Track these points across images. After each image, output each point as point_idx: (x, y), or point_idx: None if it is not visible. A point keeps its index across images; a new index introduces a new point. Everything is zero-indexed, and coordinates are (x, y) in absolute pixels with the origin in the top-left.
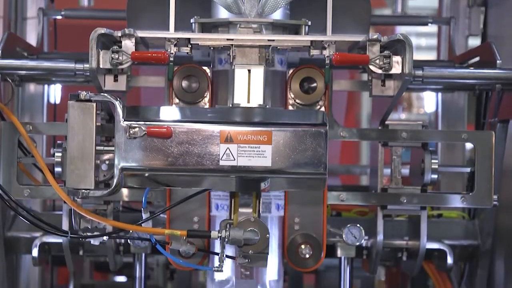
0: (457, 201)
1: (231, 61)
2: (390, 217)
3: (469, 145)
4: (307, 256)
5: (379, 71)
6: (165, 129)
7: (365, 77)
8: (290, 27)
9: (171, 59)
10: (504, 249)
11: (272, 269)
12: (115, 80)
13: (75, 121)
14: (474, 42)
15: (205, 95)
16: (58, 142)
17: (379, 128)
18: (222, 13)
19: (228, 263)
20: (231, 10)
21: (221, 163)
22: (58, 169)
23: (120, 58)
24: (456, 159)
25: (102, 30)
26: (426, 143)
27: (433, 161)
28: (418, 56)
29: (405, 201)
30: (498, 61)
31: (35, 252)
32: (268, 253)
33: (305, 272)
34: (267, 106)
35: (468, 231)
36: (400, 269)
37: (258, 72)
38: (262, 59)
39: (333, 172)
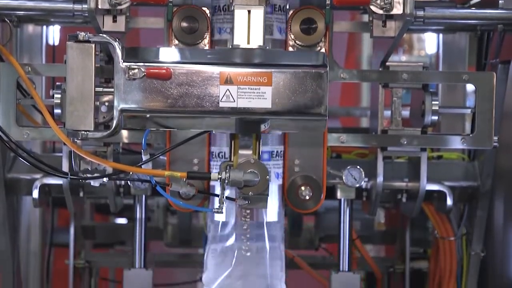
0: (457, 143)
1: (231, 1)
2: (390, 159)
3: (469, 87)
4: (307, 197)
5: (380, 12)
6: (164, 71)
7: (366, 18)
8: None
9: None
10: (503, 190)
11: (272, 210)
12: (114, 21)
13: (74, 62)
14: None
15: (204, 36)
16: (57, 83)
17: (380, 69)
18: None
19: (228, 205)
20: None
21: (221, 104)
22: (57, 111)
23: None
24: (457, 101)
25: None
26: (427, 85)
27: (433, 102)
28: None
29: (405, 142)
30: (500, 1)
31: (35, 193)
32: (268, 195)
33: (304, 214)
34: (267, 48)
35: (468, 172)
36: (399, 210)
37: (258, 13)
38: None
39: (333, 114)
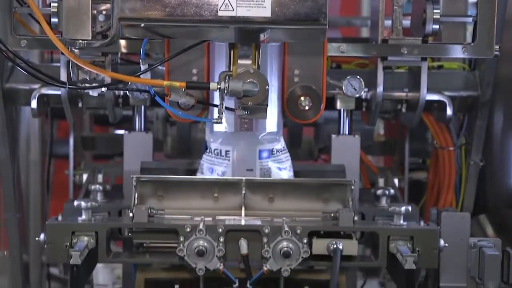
0: (458, 52)
1: None
2: (390, 69)
3: None
4: (307, 108)
5: None
6: None
7: None
8: None
9: None
10: (503, 100)
11: (271, 121)
12: None
13: None
14: None
15: None
16: None
17: None
18: None
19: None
20: None
21: (220, 13)
22: (54, 20)
23: None
24: (458, 10)
25: None
26: None
27: (435, 11)
28: None
29: (405, 52)
30: None
31: (34, 103)
32: (267, 105)
33: (304, 125)
34: None
35: (468, 82)
36: (399, 121)
37: None
38: None
39: (333, 24)
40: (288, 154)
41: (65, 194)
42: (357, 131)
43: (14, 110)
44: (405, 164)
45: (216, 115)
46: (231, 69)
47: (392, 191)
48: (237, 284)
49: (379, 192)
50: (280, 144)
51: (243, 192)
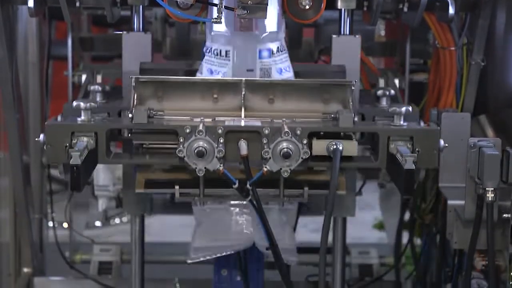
0: None
1: None
2: None
3: None
4: (307, 7)
5: None
6: None
7: None
8: None
9: None
10: None
11: (271, 20)
12: None
13: None
14: None
15: None
16: None
17: None
18: None
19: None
20: None
21: None
22: None
23: None
24: None
25: None
26: None
27: None
28: None
29: None
30: None
31: (30, 2)
32: (267, 4)
33: (304, 25)
34: None
35: None
36: (400, 21)
37: None
38: None
39: None
40: (287, 54)
41: (64, 95)
42: (358, 31)
43: (11, 9)
44: (406, 65)
45: (215, 14)
46: None
47: (392, 91)
48: (237, 184)
49: (379, 92)
50: (281, 44)
51: (243, 93)
